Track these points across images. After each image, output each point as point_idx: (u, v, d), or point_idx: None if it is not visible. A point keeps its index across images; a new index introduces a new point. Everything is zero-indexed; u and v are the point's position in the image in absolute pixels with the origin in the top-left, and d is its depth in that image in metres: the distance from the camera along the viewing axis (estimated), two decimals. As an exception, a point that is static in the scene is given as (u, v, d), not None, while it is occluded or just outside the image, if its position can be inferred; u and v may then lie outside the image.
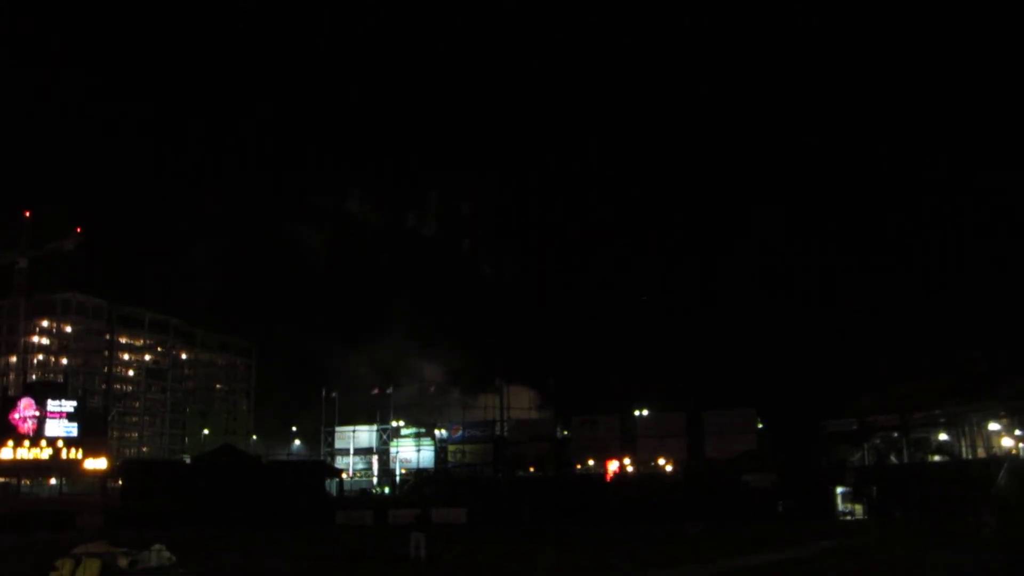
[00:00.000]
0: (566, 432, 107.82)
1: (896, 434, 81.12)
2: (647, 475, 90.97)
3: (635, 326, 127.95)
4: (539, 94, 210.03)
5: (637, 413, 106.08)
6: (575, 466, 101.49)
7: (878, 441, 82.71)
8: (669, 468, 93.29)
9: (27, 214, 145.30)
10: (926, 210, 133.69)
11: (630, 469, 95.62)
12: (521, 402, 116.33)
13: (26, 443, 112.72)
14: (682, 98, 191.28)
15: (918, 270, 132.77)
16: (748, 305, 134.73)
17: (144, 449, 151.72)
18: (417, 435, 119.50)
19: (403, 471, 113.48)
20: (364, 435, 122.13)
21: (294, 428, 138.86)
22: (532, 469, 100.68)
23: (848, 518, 64.56)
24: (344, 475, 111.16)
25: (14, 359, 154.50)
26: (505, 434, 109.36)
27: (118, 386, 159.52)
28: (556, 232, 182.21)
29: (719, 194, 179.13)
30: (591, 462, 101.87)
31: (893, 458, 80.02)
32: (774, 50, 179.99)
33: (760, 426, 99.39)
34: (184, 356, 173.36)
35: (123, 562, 19.83)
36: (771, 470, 72.22)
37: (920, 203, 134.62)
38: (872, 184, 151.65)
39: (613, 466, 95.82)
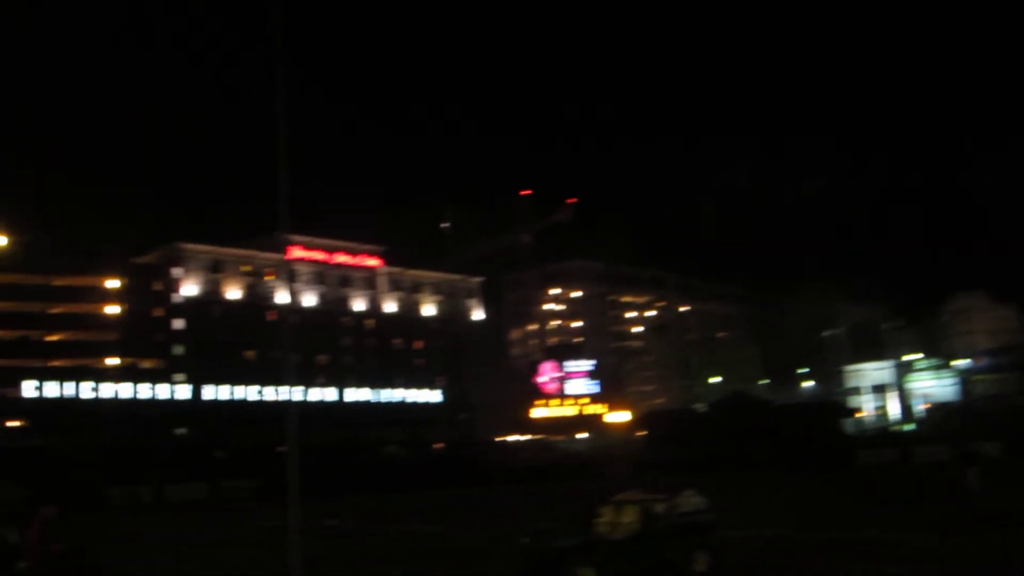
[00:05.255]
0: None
1: None
2: None
3: None
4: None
5: None
6: None
7: None
8: None
9: (524, 193, 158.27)
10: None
11: None
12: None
13: (552, 402, 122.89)
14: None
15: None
16: None
17: (659, 401, 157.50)
18: (935, 367, 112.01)
19: (926, 405, 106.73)
20: (877, 372, 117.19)
21: (800, 370, 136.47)
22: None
23: None
24: (858, 414, 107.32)
25: (532, 327, 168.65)
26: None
27: (626, 343, 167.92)
28: None
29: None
30: None
31: None
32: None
33: None
34: (683, 309, 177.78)
35: (659, 507, 19.79)
36: None
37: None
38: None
39: None
